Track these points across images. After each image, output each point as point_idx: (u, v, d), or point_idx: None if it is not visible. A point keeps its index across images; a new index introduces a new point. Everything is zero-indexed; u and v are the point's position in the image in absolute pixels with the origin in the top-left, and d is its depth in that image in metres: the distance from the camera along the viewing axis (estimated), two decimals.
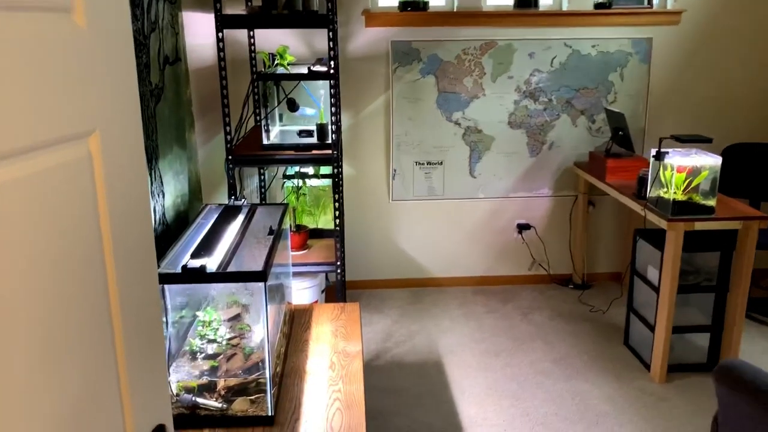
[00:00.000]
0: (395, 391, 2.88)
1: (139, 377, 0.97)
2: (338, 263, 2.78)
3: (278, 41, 3.27)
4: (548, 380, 2.96)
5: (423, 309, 3.72)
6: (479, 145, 3.86)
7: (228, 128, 2.66)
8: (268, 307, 1.81)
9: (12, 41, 0.67)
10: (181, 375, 1.81)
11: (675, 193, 2.74)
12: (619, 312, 3.59)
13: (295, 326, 2.33)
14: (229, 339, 1.94)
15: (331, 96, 2.63)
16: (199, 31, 3.02)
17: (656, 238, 2.95)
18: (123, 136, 0.92)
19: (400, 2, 3.53)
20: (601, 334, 3.41)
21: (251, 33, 3.35)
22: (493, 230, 4.00)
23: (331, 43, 2.61)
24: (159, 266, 1.78)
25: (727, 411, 1.57)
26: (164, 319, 1.80)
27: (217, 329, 1.96)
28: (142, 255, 0.98)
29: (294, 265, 2.78)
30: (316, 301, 3.21)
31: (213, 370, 1.85)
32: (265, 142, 2.71)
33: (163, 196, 2.07)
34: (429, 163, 3.85)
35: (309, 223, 3.31)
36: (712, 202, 2.75)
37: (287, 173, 3.20)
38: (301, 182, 3.11)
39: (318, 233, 3.16)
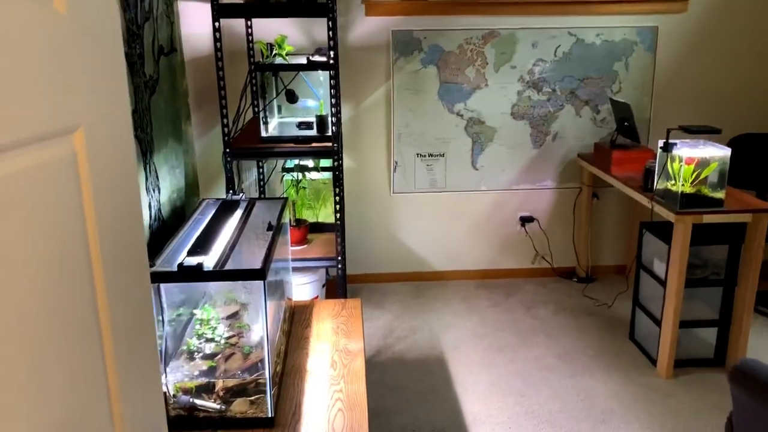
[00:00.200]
0: (397, 389, 2.83)
1: (130, 387, 0.91)
2: (339, 258, 2.72)
3: (276, 31, 3.19)
4: (553, 376, 2.91)
5: (425, 303, 3.67)
6: (481, 136, 3.79)
7: (225, 120, 2.60)
8: (268, 304, 1.76)
9: None
10: (179, 376, 1.76)
11: (683, 185, 2.68)
12: (624, 306, 3.54)
13: (296, 323, 2.28)
14: (228, 338, 1.89)
15: (331, 87, 2.57)
16: (195, 21, 2.95)
17: (663, 231, 2.89)
18: (110, 133, 0.86)
19: None
20: (606, 328, 3.36)
21: (249, 22, 3.27)
22: (495, 223, 3.94)
23: (330, 33, 2.54)
24: (155, 264, 1.72)
25: (743, 413, 1.52)
26: (160, 318, 1.75)
27: (215, 328, 1.91)
28: (133, 258, 0.93)
29: (294, 260, 2.72)
30: (317, 297, 3.16)
31: (211, 370, 1.80)
32: (263, 134, 2.65)
33: (159, 191, 2.01)
34: (431, 155, 3.79)
35: (309, 217, 3.25)
36: (721, 195, 2.70)
37: (286, 166, 3.14)
38: (300, 175, 3.05)
39: (318, 227, 3.10)
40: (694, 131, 2.77)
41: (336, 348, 2.11)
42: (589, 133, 3.82)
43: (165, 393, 1.73)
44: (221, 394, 1.76)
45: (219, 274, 1.66)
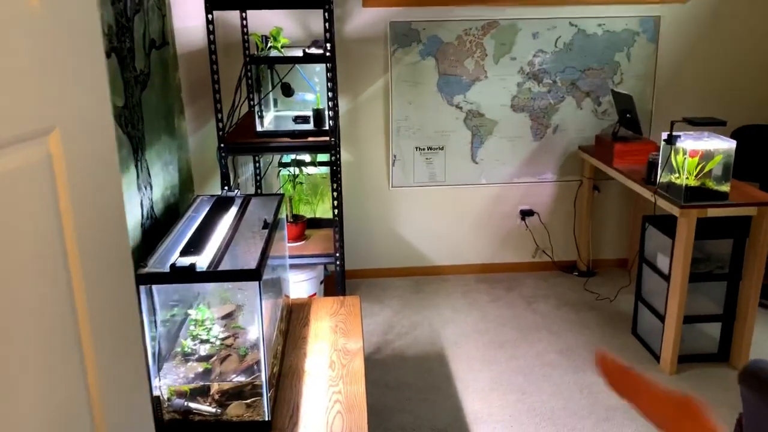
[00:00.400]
0: (397, 387, 2.79)
1: (114, 396, 0.87)
2: (337, 254, 2.68)
3: (272, 23, 3.13)
4: (555, 372, 2.87)
5: (425, 298, 3.63)
6: (481, 129, 3.74)
7: (220, 115, 2.54)
8: (264, 304, 1.71)
9: None
10: (173, 379, 1.72)
11: (687, 178, 2.63)
12: (626, 300, 3.50)
13: (293, 322, 2.23)
14: (223, 339, 1.85)
15: (328, 80, 2.51)
16: (188, 13, 2.89)
17: (666, 225, 2.85)
18: (89, 134, 0.81)
19: None
20: (608, 323, 3.32)
21: (243, 14, 3.21)
22: (495, 217, 3.89)
23: (327, 25, 2.48)
24: (147, 264, 1.67)
25: (754, 414, 1.48)
26: (153, 319, 1.70)
27: (210, 329, 1.86)
28: (116, 263, 0.88)
29: (291, 257, 2.68)
30: (315, 294, 3.12)
31: (206, 372, 1.75)
32: (258, 128, 2.59)
33: (151, 189, 1.96)
34: (430, 148, 3.74)
35: (306, 212, 3.20)
36: (725, 188, 2.65)
37: (283, 161, 3.08)
38: (297, 170, 2.99)
39: (316, 223, 3.05)
40: (699, 123, 2.71)
41: (334, 347, 2.07)
42: (591, 125, 3.77)
43: (159, 396, 1.69)
44: (216, 397, 1.71)
45: (212, 275, 1.61)
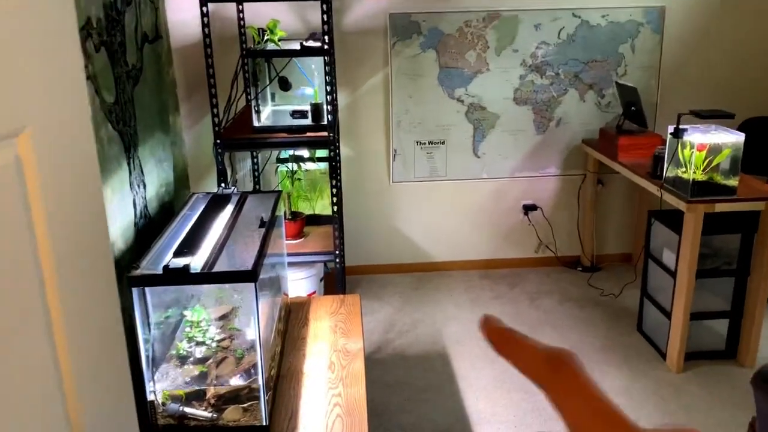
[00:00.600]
0: (398, 386, 2.74)
1: (96, 412, 0.81)
2: (337, 252, 2.62)
3: (269, 15, 3.06)
4: None
5: (426, 295, 3.58)
6: (483, 122, 3.68)
7: (215, 110, 2.49)
8: (261, 306, 1.66)
9: None
10: (168, 383, 1.67)
11: (694, 172, 2.57)
12: (631, 295, 3.44)
13: (292, 321, 2.18)
14: (220, 341, 1.80)
15: (326, 73, 2.45)
16: (182, 6, 2.82)
17: (672, 220, 2.79)
18: (65, 134, 0.75)
19: None
20: (613, 319, 3.27)
21: (240, 6, 3.14)
22: (498, 212, 3.84)
23: (325, 17, 2.43)
24: (140, 265, 1.62)
25: (767, 418, 1.43)
26: (147, 322, 1.65)
27: (206, 330, 1.81)
28: (96, 269, 0.82)
29: (290, 254, 2.62)
30: (314, 292, 3.07)
31: (202, 376, 1.70)
32: (255, 124, 2.54)
33: (145, 187, 1.91)
34: (431, 142, 3.68)
35: (305, 209, 3.15)
36: (734, 182, 2.59)
37: (281, 157, 3.02)
38: (296, 166, 2.94)
39: (315, 219, 3.00)
40: (706, 116, 2.65)
41: (334, 348, 2.02)
42: (594, 118, 3.70)
43: (153, 401, 1.64)
44: (213, 401, 1.67)
45: (207, 276, 1.56)
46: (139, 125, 1.87)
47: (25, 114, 0.68)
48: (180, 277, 1.54)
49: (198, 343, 1.78)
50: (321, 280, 3.20)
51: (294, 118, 2.59)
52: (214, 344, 1.78)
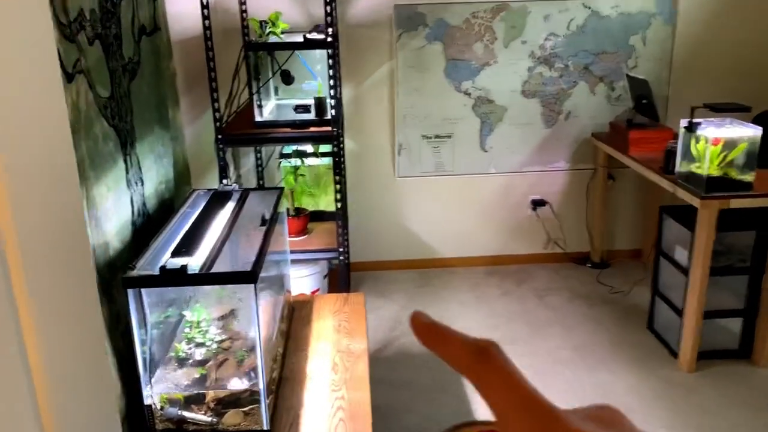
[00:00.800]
0: (403, 386, 2.70)
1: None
2: (341, 249, 2.57)
3: (271, 7, 3.00)
4: (568, 370, 2.77)
5: (432, 292, 3.53)
6: (491, 116, 3.61)
7: (216, 105, 2.43)
8: (262, 306, 1.61)
9: None
10: (166, 386, 1.62)
11: (709, 168, 2.50)
12: (641, 293, 3.38)
13: (295, 321, 2.14)
14: (220, 342, 1.75)
15: (330, 67, 2.39)
16: None
17: (685, 216, 2.72)
18: (39, 137, 0.70)
19: None
20: (623, 317, 3.20)
21: None
22: (505, 207, 3.78)
23: (328, 8, 2.37)
24: (137, 265, 1.57)
25: None
26: (144, 323, 1.60)
27: (206, 331, 1.77)
28: (75, 279, 0.77)
29: (293, 252, 2.57)
30: (318, 290, 3.02)
31: (201, 379, 1.66)
32: (257, 118, 2.48)
33: (142, 184, 1.86)
34: (437, 136, 3.62)
35: (309, 204, 3.09)
36: (750, 177, 2.52)
37: (284, 152, 2.97)
38: (299, 162, 2.88)
39: (319, 216, 2.95)
40: (721, 109, 2.58)
41: (338, 348, 1.97)
42: (604, 112, 3.63)
43: (151, 405, 1.60)
44: (212, 405, 1.62)
45: (205, 277, 1.51)
46: (136, 120, 1.82)
47: None
48: (177, 278, 1.49)
49: (197, 345, 1.74)
50: (325, 277, 3.15)
51: (297, 112, 2.54)
52: (214, 345, 1.73)
